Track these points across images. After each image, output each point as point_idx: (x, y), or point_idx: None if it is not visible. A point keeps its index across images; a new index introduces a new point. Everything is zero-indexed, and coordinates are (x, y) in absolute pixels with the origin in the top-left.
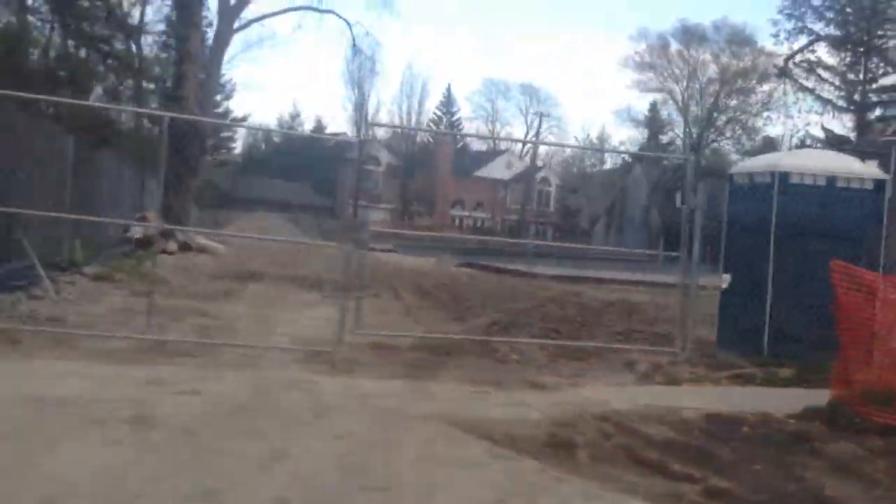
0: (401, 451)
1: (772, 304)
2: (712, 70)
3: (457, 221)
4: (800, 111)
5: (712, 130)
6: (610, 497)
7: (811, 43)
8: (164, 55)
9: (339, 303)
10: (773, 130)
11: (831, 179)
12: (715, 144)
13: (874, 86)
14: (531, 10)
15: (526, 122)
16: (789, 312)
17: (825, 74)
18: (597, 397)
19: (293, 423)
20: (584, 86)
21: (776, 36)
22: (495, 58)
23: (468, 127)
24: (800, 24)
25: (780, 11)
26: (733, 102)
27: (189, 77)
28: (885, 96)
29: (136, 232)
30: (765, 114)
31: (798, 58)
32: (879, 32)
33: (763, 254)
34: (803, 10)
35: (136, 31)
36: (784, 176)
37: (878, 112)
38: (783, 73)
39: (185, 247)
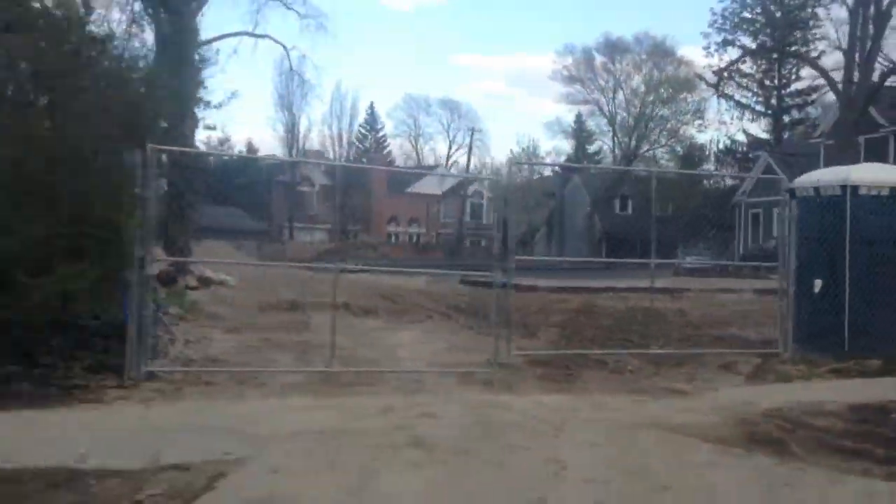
0: (648, 455)
1: (849, 305)
2: (636, 80)
3: (393, 238)
4: (732, 118)
5: (643, 139)
6: (852, 480)
7: (744, 55)
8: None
9: (492, 328)
10: (704, 137)
11: (894, 189)
12: (649, 152)
13: (789, 90)
14: (455, 26)
15: (448, 137)
16: (865, 312)
17: (744, 81)
18: (740, 398)
19: (539, 436)
20: (513, 100)
21: (707, 48)
22: (415, 73)
23: (393, 144)
24: (729, 38)
25: (711, 25)
26: (663, 111)
27: (188, 114)
28: (799, 99)
29: (153, 268)
30: (696, 122)
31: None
32: (792, 39)
33: (839, 259)
34: (733, 23)
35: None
36: (854, 189)
37: (792, 115)
38: (716, 86)
39: (202, 280)
